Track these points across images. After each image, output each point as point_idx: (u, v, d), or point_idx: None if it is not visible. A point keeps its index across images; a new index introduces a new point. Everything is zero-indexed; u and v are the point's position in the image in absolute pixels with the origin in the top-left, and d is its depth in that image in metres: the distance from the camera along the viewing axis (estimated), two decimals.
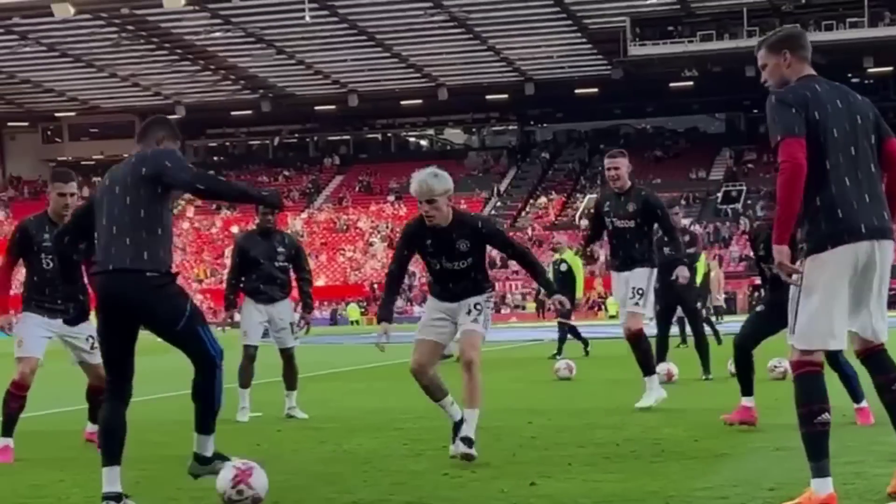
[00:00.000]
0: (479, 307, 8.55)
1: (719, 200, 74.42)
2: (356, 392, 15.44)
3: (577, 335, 22.40)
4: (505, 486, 7.12)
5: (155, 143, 6.99)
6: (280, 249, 11.92)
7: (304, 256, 12.38)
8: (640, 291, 11.52)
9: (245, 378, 11.93)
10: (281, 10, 61.60)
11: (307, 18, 60.87)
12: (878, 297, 6.07)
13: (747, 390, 9.96)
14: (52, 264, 9.08)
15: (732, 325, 37.99)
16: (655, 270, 11.75)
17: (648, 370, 11.66)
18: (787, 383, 13.78)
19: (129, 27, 65.33)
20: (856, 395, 9.72)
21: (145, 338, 6.79)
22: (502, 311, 65.44)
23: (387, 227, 76.12)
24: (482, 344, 8.62)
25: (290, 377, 12.11)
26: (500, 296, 68.53)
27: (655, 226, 11.79)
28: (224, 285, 12.18)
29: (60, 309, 9.19)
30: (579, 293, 21.72)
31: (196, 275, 73.80)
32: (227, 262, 12.04)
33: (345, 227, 78.69)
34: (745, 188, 74.93)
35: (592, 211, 12.24)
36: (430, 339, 8.62)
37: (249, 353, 11.96)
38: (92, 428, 9.70)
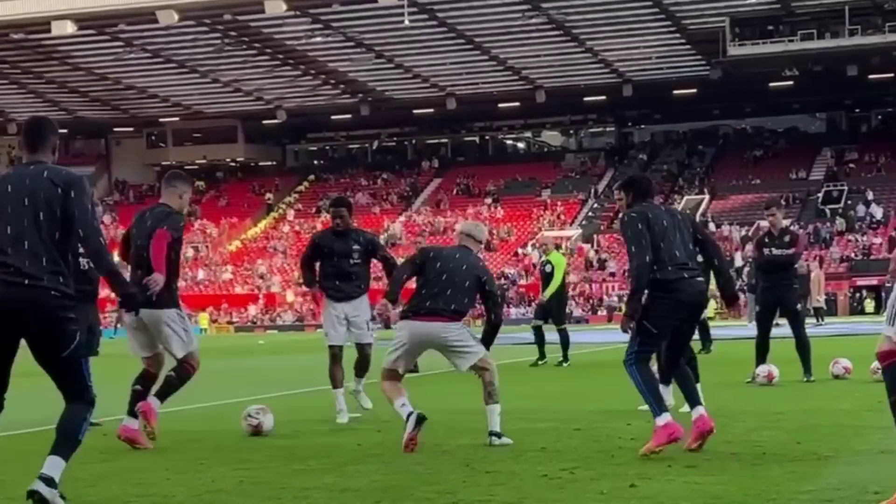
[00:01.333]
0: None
1: (820, 201, 73.37)
2: (455, 393, 15.48)
3: (541, 342, 21.95)
4: (604, 488, 7.13)
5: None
6: (355, 247, 11.89)
7: (381, 245, 12.41)
8: None
9: (336, 379, 11.96)
10: (380, 14, 61.99)
11: (406, 22, 61.17)
12: None
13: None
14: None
15: (833, 326, 37.55)
16: None
17: None
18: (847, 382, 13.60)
19: (232, 33, 66.22)
20: (692, 398, 8.96)
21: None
22: (599, 313, 65.18)
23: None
24: None
25: (362, 367, 12.16)
26: (597, 298, 68.28)
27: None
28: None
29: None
30: (549, 292, 21.41)
31: (296, 277, 74.47)
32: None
33: (442, 230, 78.89)
34: (846, 188, 73.80)
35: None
36: None
37: (334, 353, 11.94)
38: (128, 422, 9.79)
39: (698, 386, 9.56)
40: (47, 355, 6.56)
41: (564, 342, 21.54)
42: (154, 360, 9.85)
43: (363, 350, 12.10)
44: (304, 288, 12.50)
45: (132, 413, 9.66)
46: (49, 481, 6.43)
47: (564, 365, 21.22)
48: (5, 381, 6.72)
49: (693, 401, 8.86)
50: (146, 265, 9.52)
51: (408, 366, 9.91)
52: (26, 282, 6.44)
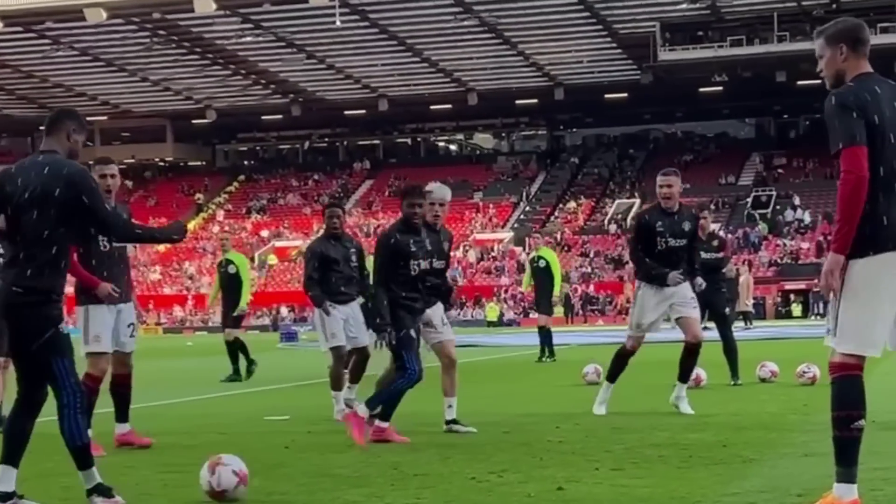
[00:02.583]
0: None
1: (749, 205, 74.16)
2: None
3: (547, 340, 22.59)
4: (532, 491, 7.12)
5: (66, 138, 7.07)
6: (352, 251, 12.25)
7: (365, 258, 12.58)
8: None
9: (340, 381, 12.07)
10: (311, 14, 61.80)
11: (338, 23, 61.02)
12: None
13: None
14: (108, 247, 9.40)
15: (761, 330, 37.95)
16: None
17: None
18: (815, 388, 13.76)
19: (161, 32, 65.69)
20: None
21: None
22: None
23: None
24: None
25: (357, 372, 12.26)
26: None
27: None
28: (307, 289, 12.28)
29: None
30: (557, 289, 22.16)
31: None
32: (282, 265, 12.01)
33: (374, 232, 78.76)
34: (775, 193, 74.67)
35: (635, 230, 11.97)
36: None
37: (340, 355, 12.08)
38: (122, 428, 9.82)
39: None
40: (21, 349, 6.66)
41: (544, 341, 22.29)
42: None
43: (363, 353, 12.17)
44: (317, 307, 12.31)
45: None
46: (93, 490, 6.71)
47: (549, 361, 22.01)
48: (32, 372, 6.72)
49: None
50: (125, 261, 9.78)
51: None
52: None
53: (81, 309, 9.41)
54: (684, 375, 11.87)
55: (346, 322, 12.10)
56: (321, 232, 12.83)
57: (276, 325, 65.33)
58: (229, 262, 19.46)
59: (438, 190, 10.65)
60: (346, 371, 12.25)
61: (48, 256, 6.62)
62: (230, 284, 19.23)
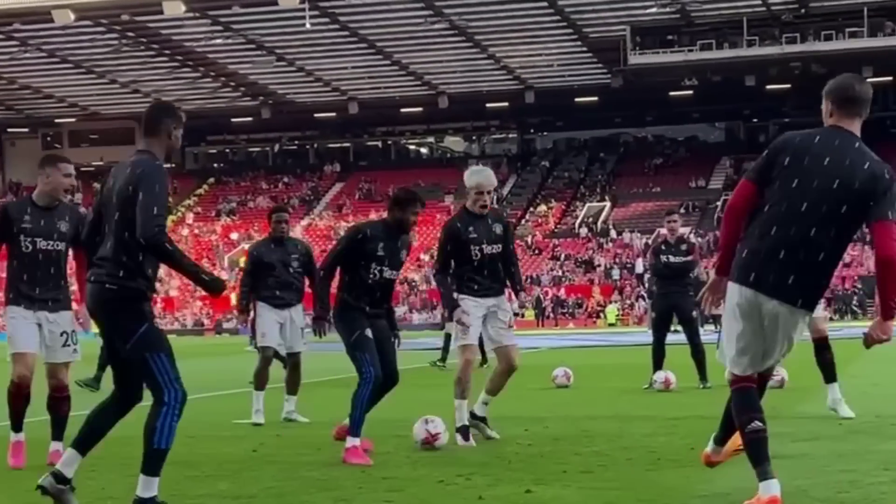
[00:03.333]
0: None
1: (719, 209, 74.43)
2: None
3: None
4: (500, 494, 7.12)
5: (167, 137, 6.89)
6: (294, 256, 12.14)
7: (314, 262, 12.47)
8: None
9: (261, 381, 12.07)
10: (281, 17, 61.64)
11: (307, 25, 60.93)
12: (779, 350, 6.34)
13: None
14: (30, 248, 8.76)
15: None
16: None
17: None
18: (783, 392, 13.81)
19: (130, 33, 65.39)
20: None
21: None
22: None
23: None
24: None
25: (294, 381, 12.27)
26: None
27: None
28: (237, 291, 12.33)
29: (39, 298, 8.80)
30: None
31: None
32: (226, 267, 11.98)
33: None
34: None
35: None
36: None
37: (267, 355, 12.16)
38: (56, 446, 8.92)
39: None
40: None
41: (447, 345, 21.71)
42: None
43: (295, 359, 12.22)
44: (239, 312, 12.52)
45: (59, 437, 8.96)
46: (138, 501, 6.41)
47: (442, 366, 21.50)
48: (124, 373, 6.69)
49: None
50: (55, 265, 8.88)
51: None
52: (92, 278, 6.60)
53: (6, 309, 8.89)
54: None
55: (282, 326, 12.13)
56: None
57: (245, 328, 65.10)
58: None
59: (486, 178, 9.97)
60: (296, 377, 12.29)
61: (135, 254, 6.54)
62: None
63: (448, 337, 21.62)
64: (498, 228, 9.89)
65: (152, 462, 6.40)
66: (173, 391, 6.45)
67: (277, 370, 12.72)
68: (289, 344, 12.22)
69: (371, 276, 9.30)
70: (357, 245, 9.34)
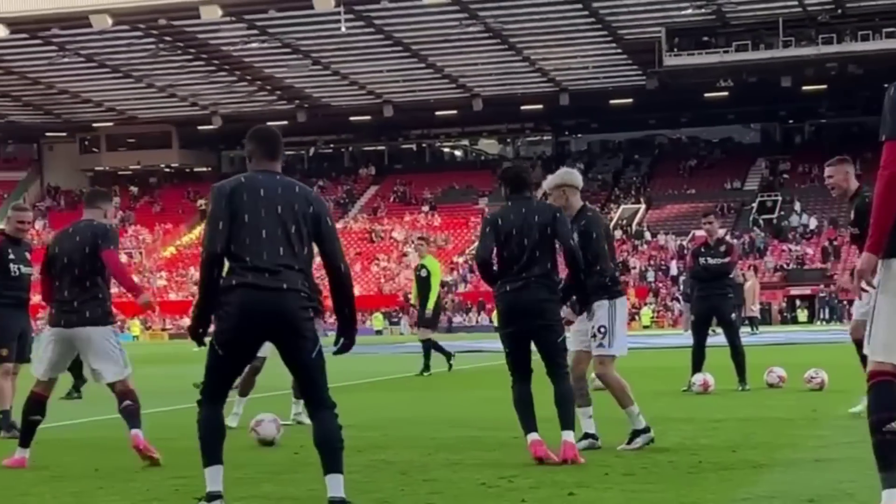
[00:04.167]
0: (603, 329, 9.64)
1: (754, 211, 74.15)
2: (389, 402, 15.46)
3: (439, 349, 21.09)
4: (542, 496, 7.13)
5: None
6: None
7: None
8: None
9: (245, 387, 12.01)
10: (317, 20, 61.84)
11: (343, 29, 61.08)
12: None
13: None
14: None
15: (767, 335, 37.90)
16: None
17: None
18: (824, 394, 13.76)
19: (167, 38, 65.76)
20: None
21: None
22: None
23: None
24: None
25: (248, 384, 12.12)
26: None
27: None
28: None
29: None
30: (431, 303, 20.38)
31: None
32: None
33: (379, 237, 78.85)
34: (780, 198, 74.64)
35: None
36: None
37: (255, 366, 11.76)
38: (22, 453, 9.14)
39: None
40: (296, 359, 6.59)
41: (428, 351, 20.76)
42: (50, 385, 9.36)
43: (255, 363, 11.74)
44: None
45: (26, 444, 9.14)
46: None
47: (426, 375, 20.54)
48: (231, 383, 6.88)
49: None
50: (77, 281, 9.23)
51: None
52: (284, 286, 6.47)
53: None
54: None
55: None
56: None
57: None
58: (423, 266, 20.74)
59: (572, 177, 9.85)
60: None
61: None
62: (423, 287, 20.43)
63: (427, 344, 20.94)
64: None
65: (338, 460, 6.62)
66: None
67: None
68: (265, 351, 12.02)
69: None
70: None
